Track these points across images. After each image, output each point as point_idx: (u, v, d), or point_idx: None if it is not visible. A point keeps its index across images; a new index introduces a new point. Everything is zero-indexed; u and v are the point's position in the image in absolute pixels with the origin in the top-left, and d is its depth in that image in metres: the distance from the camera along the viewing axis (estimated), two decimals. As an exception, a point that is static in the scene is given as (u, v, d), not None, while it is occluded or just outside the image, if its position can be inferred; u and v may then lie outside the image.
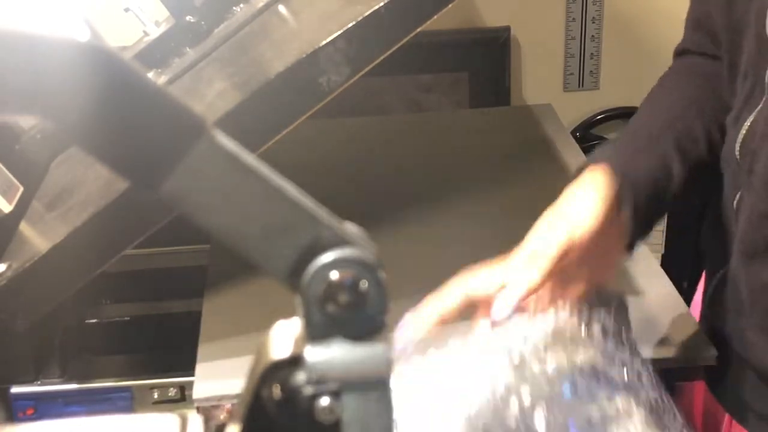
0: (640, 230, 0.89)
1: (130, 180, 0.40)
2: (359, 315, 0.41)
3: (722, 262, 0.96)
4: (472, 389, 0.74)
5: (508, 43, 1.80)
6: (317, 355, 0.41)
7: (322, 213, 0.41)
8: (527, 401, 0.74)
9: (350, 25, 0.97)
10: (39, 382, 1.12)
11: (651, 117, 0.99)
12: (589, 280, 0.84)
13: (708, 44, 1.03)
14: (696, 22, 1.05)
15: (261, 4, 1.19)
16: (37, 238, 1.08)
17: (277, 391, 0.42)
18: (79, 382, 1.12)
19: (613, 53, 1.86)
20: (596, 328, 0.79)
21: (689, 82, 1.03)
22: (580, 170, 0.90)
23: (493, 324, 0.79)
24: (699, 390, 1.06)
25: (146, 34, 1.23)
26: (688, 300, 1.12)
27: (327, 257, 0.41)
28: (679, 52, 1.09)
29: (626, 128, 1.00)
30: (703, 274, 1.07)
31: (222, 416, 1.02)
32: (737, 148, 0.91)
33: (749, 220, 0.90)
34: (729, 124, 0.94)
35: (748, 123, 0.90)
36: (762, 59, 0.88)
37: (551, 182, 1.38)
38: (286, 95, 0.99)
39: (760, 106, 0.88)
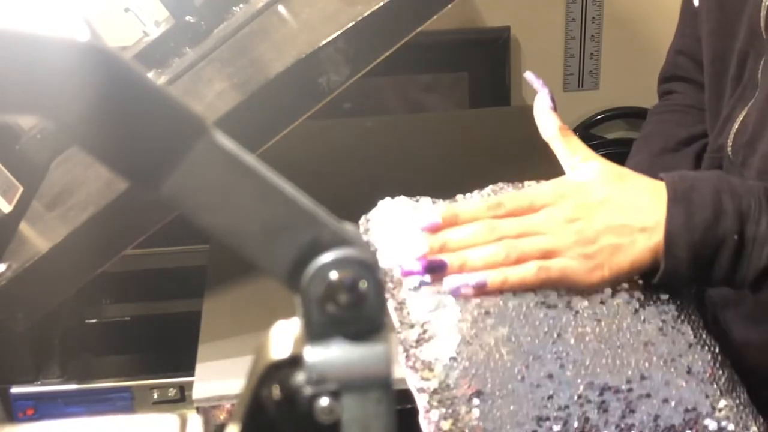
0: None
1: (130, 180, 0.40)
2: (359, 315, 0.41)
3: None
4: None
5: (508, 43, 1.80)
6: (317, 355, 0.41)
7: (322, 213, 0.41)
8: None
9: (350, 25, 0.97)
10: (39, 382, 1.12)
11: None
12: None
13: (692, 69, 1.08)
14: (679, 49, 1.11)
15: (261, 4, 1.19)
16: (37, 238, 1.08)
17: (276, 391, 0.42)
18: (79, 382, 1.12)
19: (612, 53, 1.86)
20: None
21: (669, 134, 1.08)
22: None
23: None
24: None
25: (146, 34, 1.23)
26: None
27: (326, 257, 0.41)
28: (664, 79, 1.14)
29: None
30: None
31: (222, 416, 1.02)
32: (729, 143, 0.92)
33: None
34: (716, 127, 0.96)
35: (740, 118, 0.91)
36: (755, 55, 0.90)
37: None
38: (286, 95, 0.99)
39: (752, 100, 0.90)
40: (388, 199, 0.84)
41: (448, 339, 0.75)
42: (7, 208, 1.12)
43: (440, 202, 0.85)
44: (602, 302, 0.78)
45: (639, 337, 0.77)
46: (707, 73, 0.99)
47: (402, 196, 0.84)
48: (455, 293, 0.76)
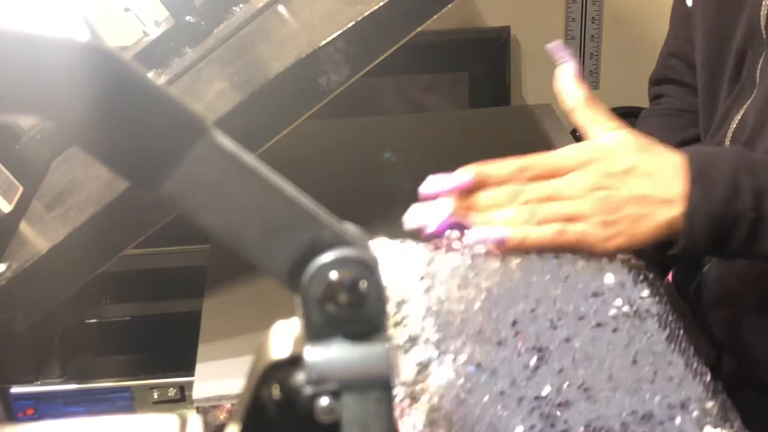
0: None
1: (130, 180, 0.40)
2: (359, 315, 0.41)
3: (701, 259, 0.97)
4: None
5: (508, 43, 1.80)
6: (317, 355, 0.41)
7: (322, 213, 0.41)
8: None
9: (350, 25, 0.97)
10: (39, 382, 1.12)
11: None
12: None
13: (684, 71, 1.09)
14: (671, 52, 1.12)
15: (261, 4, 1.19)
16: (37, 238, 1.08)
17: (276, 391, 0.42)
18: (79, 382, 1.12)
19: (613, 53, 1.86)
20: None
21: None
22: None
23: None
24: None
25: (146, 34, 1.23)
26: None
27: (327, 257, 0.41)
28: (655, 82, 1.14)
29: None
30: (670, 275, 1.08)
31: (222, 416, 1.02)
32: (727, 143, 0.92)
33: None
34: (711, 127, 0.96)
35: (738, 116, 0.91)
36: (754, 54, 0.90)
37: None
38: (286, 95, 0.99)
39: (750, 98, 0.90)
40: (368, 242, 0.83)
41: (441, 400, 0.75)
42: (7, 208, 1.12)
43: (422, 246, 0.84)
44: (594, 338, 0.78)
45: (632, 375, 0.77)
46: (701, 74, 0.99)
47: (383, 238, 0.84)
48: (477, 245, 0.78)
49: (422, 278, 0.79)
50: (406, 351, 0.76)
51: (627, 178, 0.79)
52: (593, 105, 0.84)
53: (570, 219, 0.78)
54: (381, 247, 0.82)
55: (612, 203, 0.79)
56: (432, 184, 0.81)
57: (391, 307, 0.78)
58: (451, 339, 0.76)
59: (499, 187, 0.80)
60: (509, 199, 0.79)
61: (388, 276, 0.79)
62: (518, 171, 0.80)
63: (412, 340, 0.76)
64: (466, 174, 0.80)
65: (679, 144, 1.07)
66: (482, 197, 0.80)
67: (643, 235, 0.79)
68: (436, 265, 0.80)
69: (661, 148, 0.82)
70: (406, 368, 0.76)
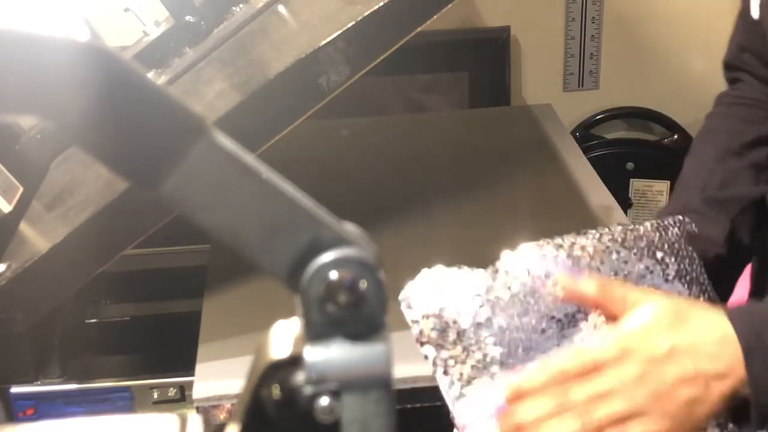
0: None
1: (130, 180, 0.40)
2: (359, 315, 0.41)
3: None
4: None
5: (508, 43, 1.80)
6: (317, 355, 0.41)
7: (322, 213, 0.41)
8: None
9: (350, 25, 0.97)
10: (39, 382, 1.12)
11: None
12: None
13: (758, 66, 1.05)
14: (743, 46, 1.08)
15: (261, 4, 1.19)
16: (37, 238, 1.08)
17: (276, 391, 0.42)
18: (79, 382, 1.12)
19: (612, 53, 1.86)
20: None
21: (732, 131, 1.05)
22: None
23: None
24: None
25: (146, 34, 1.23)
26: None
27: (326, 257, 0.41)
28: (730, 67, 1.11)
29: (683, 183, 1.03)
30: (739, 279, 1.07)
31: (222, 416, 1.02)
32: None
33: None
34: None
35: None
36: None
37: (551, 182, 1.39)
38: (286, 95, 0.99)
39: None
40: (425, 270, 0.82)
41: None
42: (7, 208, 1.12)
43: (479, 271, 0.82)
44: None
45: None
46: None
47: (439, 265, 0.82)
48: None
49: (482, 306, 0.79)
50: (470, 381, 0.77)
51: (671, 360, 0.75)
52: (608, 290, 0.79)
53: (625, 418, 0.74)
54: (438, 276, 0.81)
55: (663, 390, 0.74)
56: (468, 416, 0.78)
57: (451, 336, 0.78)
58: (519, 369, 0.77)
59: (541, 397, 0.75)
60: (557, 409, 0.74)
61: (447, 303, 0.79)
62: (555, 377, 0.75)
63: (478, 370, 0.77)
64: (500, 398, 0.76)
65: (752, 142, 1.03)
66: (527, 413, 0.75)
67: (704, 415, 0.75)
68: (496, 292, 0.80)
69: (697, 315, 0.77)
70: (473, 401, 0.77)
